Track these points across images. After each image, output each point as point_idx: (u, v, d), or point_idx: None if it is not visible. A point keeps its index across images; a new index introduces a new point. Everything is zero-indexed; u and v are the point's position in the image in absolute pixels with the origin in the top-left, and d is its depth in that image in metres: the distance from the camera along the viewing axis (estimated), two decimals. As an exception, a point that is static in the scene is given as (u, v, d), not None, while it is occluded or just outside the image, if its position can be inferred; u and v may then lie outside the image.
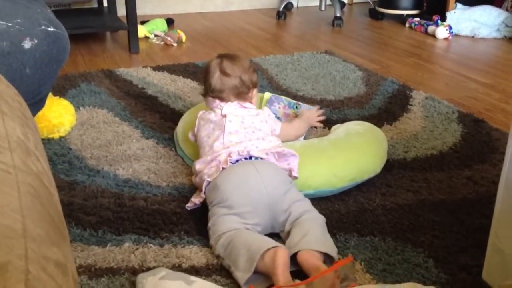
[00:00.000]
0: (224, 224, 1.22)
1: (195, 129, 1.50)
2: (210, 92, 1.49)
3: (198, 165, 1.40)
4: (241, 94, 1.48)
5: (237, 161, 1.32)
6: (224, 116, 1.43)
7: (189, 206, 1.38)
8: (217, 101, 1.48)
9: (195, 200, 1.37)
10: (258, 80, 1.60)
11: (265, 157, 1.34)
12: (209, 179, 1.31)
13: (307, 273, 1.11)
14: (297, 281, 1.10)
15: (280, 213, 1.26)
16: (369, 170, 1.51)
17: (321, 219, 1.28)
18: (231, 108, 1.45)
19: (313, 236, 1.19)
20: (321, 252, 1.15)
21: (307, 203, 1.31)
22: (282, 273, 1.07)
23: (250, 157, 1.33)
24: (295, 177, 1.39)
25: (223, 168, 1.31)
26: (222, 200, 1.26)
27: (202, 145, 1.44)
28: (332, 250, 1.18)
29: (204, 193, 1.33)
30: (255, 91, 1.53)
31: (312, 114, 1.76)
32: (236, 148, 1.35)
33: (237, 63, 1.50)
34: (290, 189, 1.30)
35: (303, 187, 1.40)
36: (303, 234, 1.18)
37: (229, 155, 1.33)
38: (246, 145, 1.37)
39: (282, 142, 1.49)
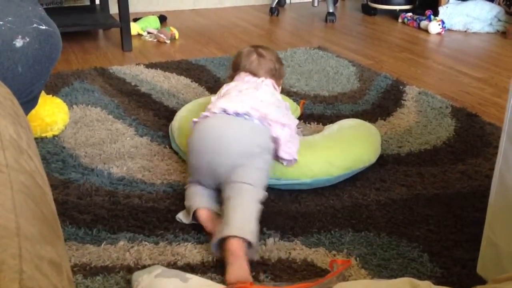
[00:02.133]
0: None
1: (224, 87, 1.52)
2: (246, 69, 1.57)
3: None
4: (274, 76, 1.58)
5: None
6: (262, 81, 1.50)
7: None
8: (250, 76, 1.54)
9: None
10: (284, 71, 1.69)
11: (250, 114, 1.35)
12: (195, 119, 1.41)
13: (227, 259, 1.13)
14: (301, 283, 1.10)
15: (219, 180, 1.30)
16: (364, 159, 1.52)
17: (253, 201, 1.24)
18: (267, 81, 1.52)
19: (240, 219, 1.18)
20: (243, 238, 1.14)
21: (243, 187, 1.25)
22: (207, 227, 1.24)
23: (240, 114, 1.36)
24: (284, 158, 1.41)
25: (206, 116, 1.38)
26: (188, 151, 1.37)
27: (229, 92, 1.46)
28: (251, 234, 1.15)
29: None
30: (281, 82, 1.64)
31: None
32: (239, 103, 1.38)
33: (271, 51, 1.64)
34: (244, 166, 1.28)
35: (300, 175, 1.41)
36: (227, 219, 1.18)
37: (215, 106, 1.38)
38: (260, 106, 1.39)
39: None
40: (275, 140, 1.38)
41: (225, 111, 1.36)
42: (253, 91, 1.45)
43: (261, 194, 1.27)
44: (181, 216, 1.32)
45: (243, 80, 1.54)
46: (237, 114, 1.36)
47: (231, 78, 1.62)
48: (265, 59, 1.59)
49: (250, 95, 1.43)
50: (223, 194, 1.28)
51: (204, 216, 1.27)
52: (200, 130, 1.36)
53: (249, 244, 1.15)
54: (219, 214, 1.26)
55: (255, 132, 1.35)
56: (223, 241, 1.15)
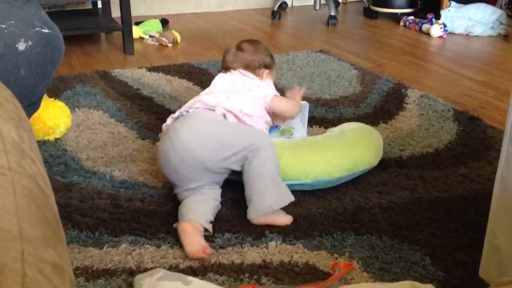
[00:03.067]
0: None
1: None
2: (223, 65, 1.66)
3: None
4: (249, 67, 1.64)
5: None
6: (226, 70, 1.61)
7: None
8: (221, 73, 1.64)
9: None
10: (273, 64, 1.72)
11: (191, 110, 1.45)
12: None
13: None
14: (303, 286, 1.10)
15: (217, 164, 1.35)
16: (365, 161, 1.52)
17: (265, 162, 1.34)
18: (228, 73, 1.61)
19: (258, 203, 1.31)
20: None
21: (246, 140, 1.35)
22: (183, 241, 1.23)
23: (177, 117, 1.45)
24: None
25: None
26: (163, 172, 1.43)
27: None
28: (272, 205, 1.31)
29: None
30: (266, 72, 1.67)
31: (293, 92, 1.78)
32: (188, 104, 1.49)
33: (253, 44, 1.70)
34: (208, 135, 1.35)
35: (301, 176, 1.42)
36: (252, 201, 1.32)
37: (171, 117, 1.47)
38: (209, 97, 1.49)
39: (278, 116, 1.62)
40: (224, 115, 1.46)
41: (166, 125, 1.46)
42: (201, 93, 1.57)
43: (266, 146, 1.36)
44: (176, 225, 1.31)
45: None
46: (180, 115, 1.45)
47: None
48: (242, 52, 1.66)
49: (195, 97, 1.54)
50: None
51: (182, 229, 1.26)
52: (159, 150, 1.41)
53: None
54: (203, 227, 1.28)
55: (192, 118, 1.41)
56: None
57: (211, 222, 1.30)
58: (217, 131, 1.37)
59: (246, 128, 1.45)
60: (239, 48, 1.68)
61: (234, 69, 1.63)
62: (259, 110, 1.52)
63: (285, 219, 1.34)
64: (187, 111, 1.46)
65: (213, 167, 1.35)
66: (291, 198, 1.36)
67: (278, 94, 1.62)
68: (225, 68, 1.66)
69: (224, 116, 1.45)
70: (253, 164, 1.33)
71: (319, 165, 1.44)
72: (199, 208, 1.31)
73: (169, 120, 1.47)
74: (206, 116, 1.43)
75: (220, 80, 1.61)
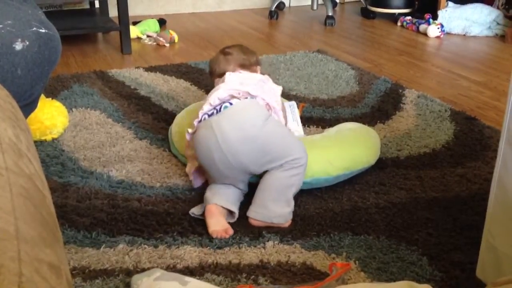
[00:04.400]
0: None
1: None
2: (217, 73, 1.62)
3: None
4: (245, 66, 1.62)
5: (210, 114, 1.39)
6: (229, 74, 1.55)
7: (195, 185, 1.49)
8: (220, 78, 1.58)
9: (191, 170, 1.47)
10: (259, 60, 1.72)
11: (234, 101, 1.39)
12: (189, 130, 1.43)
13: None
14: (301, 286, 1.10)
15: (260, 168, 1.36)
16: (363, 160, 1.52)
17: (280, 182, 1.34)
18: (232, 73, 1.56)
19: (264, 208, 1.32)
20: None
21: (290, 152, 1.34)
22: (208, 221, 1.29)
23: (220, 108, 1.38)
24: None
25: (197, 122, 1.40)
26: (200, 165, 1.42)
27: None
28: (273, 219, 1.32)
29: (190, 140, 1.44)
30: (259, 68, 1.67)
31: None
32: (215, 95, 1.42)
33: (235, 46, 1.70)
34: (260, 142, 1.33)
35: None
36: (257, 204, 1.34)
37: (202, 108, 1.41)
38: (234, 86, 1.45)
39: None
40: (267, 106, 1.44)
41: (205, 113, 1.39)
42: (222, 84, 1.50)
43: (302, 158, 1.35)
44: (194, 210, 1.36)
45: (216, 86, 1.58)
46: (217, 108, 1.38)
47: (212, 82, 1.66)
48: (231, 55, 1.64)
49: (222, 86, 1.47)
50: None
51: (209, 210, 1.32)
52: (197, 143, 1.37)
53: None
54: (230, 212, 1.34)
55: (242, 114, 1.36)
56: None
57: (237, 207, 1.35)
58: (269, 140, 1.34)
59: (294, 138, 1.41)
60: (225, 53, 1.65)
61: (231, 71, 1.57)
62: (275, 101, 1.50)
63: (284, 224, 1.34)
64: (227, 101, 1.38)
65: (254, 171, 1.37)
66: (291, 216, 1.35)
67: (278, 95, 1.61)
68: (219, 75, 1.60)
69: (268, 107, 1.43)
70: (281, 173, 1.33)
71: (317, 164, 1.44)
72: (226, 193, 1.35)
73: (206, 107, 1.40)
74: (258, 113, 1.37)
75: (234, 77, 1.52)
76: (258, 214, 1.33)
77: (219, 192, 1.36)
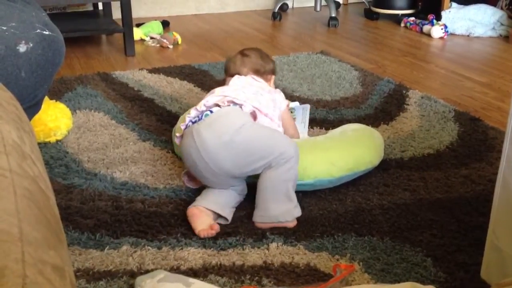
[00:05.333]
0: None
1: None
2: (231, 72, 1.62)
3: None
4: (259, 71, 1.62)
5: (194, 122, 1.40)
6: (232, 78, 1.56)
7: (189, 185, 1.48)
8: (230, 78, 1.58)
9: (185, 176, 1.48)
10: (275, 69, 1.71)
11: (215, 108, 1.40)
12: (177, 134, 1.44)
13: None
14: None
15: (245, 171, 1.35)
16: (366, 161, 1.52)
17: (286, 173, 1.33)
18: (242, 77, 1.57)
19: (266, 210, 1.33)
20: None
21: (276, 150, 1.33)
22: (193, 224, 1.30)
23: (201, 116, 1.40)
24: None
25: (184, 126, 1.41)
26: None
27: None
28: (278, 217, 1.32)
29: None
30: (273, 78, 1.67)
31: None
32: (205, 101, 1.44)
33: (255, 50, 1.70)
34: (238, 145, 1.32)
35: (302, 176, 1.41)
36: (260, 207, 1.34)
37: (189, 112, 1.43)
38: (229, 94, 1.44)
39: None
40: (253, 114, 1.43)
41: (190, 119, 1.41)
42: (221, 87, 1.51)
43: (293, 156, 1.34)
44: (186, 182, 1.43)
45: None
46: (200, 115, 1.40)
47: (222, 82, 1.66)
48: (249, 58, 1.63)
49: (218, 90, 1.49)
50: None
51: (190, 213, 1.33)
52: (182, 150, 1.39)
53: None
54: (217, 214, 1.34)
55: (219, 121, 1.36)
56: None
57: (231, 211, 1.36)
58: (246, 141, 1.33)
59: (277, 134, 1.40)
60: (244, 54, 1.65)
61: (244, 74, 1.59)
62: (275, 113, 1.49)
63: (290, 223, 1.34)
64: (211, 111, 1.39)
65: (240, 175, 1.36)
66: (299, 212, 1.35)
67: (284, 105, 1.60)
68: (232, 75, 1.59)
69: (254, 114, 1.42)
70: (273, 172, 1.32)
71: (320, 165, 1.44)
72: (213, 197, 1.36)
73: (193, 112, 1.42)
74: (234, 120, 1.36)
75: (239, 80, 1.55)
76: (262, 217, 1.33)
77: (209, 194, 1.37)
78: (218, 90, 1.48)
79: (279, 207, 1.32)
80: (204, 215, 1.32)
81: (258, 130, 1.38)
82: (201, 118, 1.38)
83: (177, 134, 1.44)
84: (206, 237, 1.28)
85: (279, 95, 1.55)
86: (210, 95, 1.47)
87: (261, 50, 1.71)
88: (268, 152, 1.32)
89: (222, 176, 1.34)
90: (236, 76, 1.56)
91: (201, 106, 1.42)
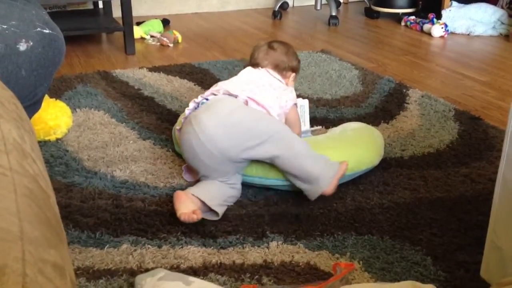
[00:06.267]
0: None
1: None
2: (252, 61, 1.64)
3: None
4: (278, 67, 1.63)
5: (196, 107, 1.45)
6: (244, 69, 1.59)
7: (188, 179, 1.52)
8: (249, 67, 1.61)
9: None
10: (299, 69, 1.72)
11: (210, 97, 1.45)
12: (177, 127, 1.49)
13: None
14: (304, 286, 1.10)
15: (242, 154, 1.37)
16: (367, 161, 1.52)
17: (296, 141, 1.38)
18: (257, 69, 1.59)
19: (316, 172, 1.36)
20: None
21: (271, 129, 1.38)
22: (176, 206, 1.31)
23: (198, 105, 1.45)
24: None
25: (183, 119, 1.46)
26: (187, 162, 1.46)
27: None
28: (328, 166, 1.38)
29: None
30: (292, 75, 1.67)
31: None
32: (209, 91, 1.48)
33: (284, 45, 1.70)
34: (233, 125, 1.36)
35: None
36: (309, 179, 1.36)
37: (189, 106, 1.46)
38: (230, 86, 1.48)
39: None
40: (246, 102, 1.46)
41: (189, 110, 1.45)
42: (225, 81, 1.55)
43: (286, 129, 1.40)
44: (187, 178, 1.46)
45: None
46: (196, 106, 1.45)
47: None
48: (274, 51, 1.65)
49: (222, 82, 1.53)
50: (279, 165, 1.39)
51: (177, 196, 1.34)
52: (181, 138, 1.43)
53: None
54: (206, 206, 1.34)
55: (214, 105, 1.40)
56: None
57: (221, 205, 1.35)
58: (241, 120, 1.37)
59: (268, 116, 1.44)
60: (270, 46, 1.66)
61: (263, 66, 1.62)
62: (278, 109, 1.50)
63: (343, 166, 1.41)
64: (207, 99, 1.45)
65: (236, 157, 1.37)
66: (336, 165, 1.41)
67: (294, 102, 1.61)
68: (254, 64, 1.64)
69: (246, 103, 1.45)
70: (286, 155, 1.35)
71: None
72: (203, 186, 1.38)
73: (191, 105, 1.47)
74: (228, 103, 1.41)
75: (248, 72, 1.59)
76: (326, 180, 1.36)
77: (200, 184, 1.40)
78: (220, 83, 1.52)
79: (327, 167, 1.38)
80: (190, 201, 1.33)
81: (251, 110, 1.42)
82: (198, 107, 1.44)
83: (177, 127, 1.47)
84: (186, 221, 1.28)
85: (287, 94, 1.56)
86: (209, 89, 1.52)
87: (290, 46, 1.72)
88: (260, 133, 1.36)
89: (219, 160, 1.36)
90: (248, 68, 1.61)
91: (198, 98, 1.46)
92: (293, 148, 1.36)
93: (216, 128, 1.35)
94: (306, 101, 1.76)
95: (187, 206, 1.31)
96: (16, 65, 1.11)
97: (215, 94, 1.46)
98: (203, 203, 1.34)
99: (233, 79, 1.57)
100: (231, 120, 1.36)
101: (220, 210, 1.34)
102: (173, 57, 2.80)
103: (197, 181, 1.46)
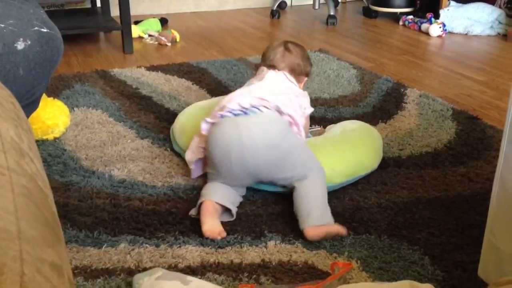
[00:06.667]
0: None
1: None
2: (268, 61, 1.60)
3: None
4: (295, 71, 1.60)
5: (235, 114, 1.39)
6: (268, 72, 1.54)
7: (193, 175, 1.51)
8: (265, 69, 1.57)
9: (191, 159, 1.49)
10: (311, 72, 1.70)
11: (263, 109, 1.39)
12: (208, 119, 1.42)
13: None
14: (302, 286, 1.10)
15: (269, 176, 1.36)
16: (366, 166, 1.51)
17: (320, 183, 1.35)
18: (275, 72, 1.55)
19: (316, 211, 1.29)
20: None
21: (305, 164, 1.36)
22: (204, 219, 1.28)
23: (247, 111, 1.38)
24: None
25: (220, 115, 1.39)
26: (209, 159, 1.40)
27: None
28: (330, 219, 1.30)
29: (206, 131, 1.42)
30: (305, 79, 1.66)
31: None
32: (247, 97, 1.41)
33: (299, 48, 1.66)
34: (281, 151, 1.34)
35: None
36: (307, 212, 1.29)
37: (225, 106, 1.40)
38: (267, 96, 1.43)
39: None
40: (290, 124, 1.44)
41: (231, 111, 1.39)
42: (258, 83, 1.50)
43: (320, 171, 1.37)
44: (193, 212, 1.34)
45: (256, 76, 1.59)
46: (245, 110, 1.38)
47: (255, 68, 1.66)
48: (290, 54, 1.61)
49: (255, 87, 1.47)
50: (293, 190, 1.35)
51: (206, 207, 1.30)
52: (217, 138, 1.36)
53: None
54: (228, 209, 1.33)
55: (270, 123, 1.37)
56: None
57: (234, 206, 1.35)
58: (288, 151, 1.35)
59: (307, 150, 1.41)
60: (287, 48, 1.62)
61: (280, 69, 1.58)
62: (301, 120, 1.49)
63: (340, 228, 1.30)
64: (256, 107, 1.38)
65: (264, 178, 1.37)
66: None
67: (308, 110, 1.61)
68: (270, 65, 1.60)
69: (291, 125, 1.43)
70: (304, 191, 1.32)
71: None
72: (223, 191, 1.34)
73: (234, 106, 1.39)
74: (282, 126, 1.37)
75: (273, 78, 1.54)
76: (317, 220, 1.28)
77: (216, 189, 1.35)
78: (255, 88, 1.46)
79: (326, 212, 1.32)
80: (215, 212, 1.30)
81: (296, 141, 1.40)
82: (246, 113, 1.38)
83: (208, 120, 1.41)
84: (209, 237, 1.26)
85: (305, 100, 1.55)
86: (247, 90, 1.46)
87: (305, 50, 1.69)
88: (295, 167, 1.34)
89: (247, 173, 1.34)
90: (271, 72, 1.55)
91: (245, 104, 1.39)
92: (312, 187, 1.33)
93: (264, 147, 1.31)
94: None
95: (214, 222, 1.28)
96: (14, 64, 1.11)
97: (265, 107, 1.39)
98: (223, 206, 1.32)
99: (265, 86, 1.49)
100: (279, 147, 1.33)
101: (235, 212, 1.34)
102: (171, 56, 2.80)
103: (200, 178, 1.46)
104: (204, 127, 1.42)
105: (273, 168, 1.34)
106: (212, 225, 1.27)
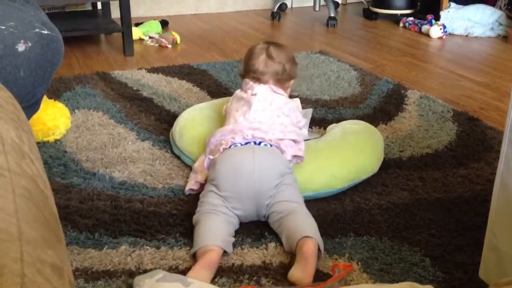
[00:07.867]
0: (208, 200, 1.30)
1: (228, 104, 1.55)
2: (252, 73, 1.53)
3: (211, 137, 1.45)
4: (280, 80, 1.54)
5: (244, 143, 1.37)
6: (254, 94, 1.49)
7: (187, 190, 1.46)
8: (251, 83, 1.52)
9: (192, 181, 1.46)
10: (296, 72, 1.63)
11: (272, 144, 1.37)
12: (210, 156, 1.37)
13: (298, 258, 1.17)
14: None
15: (263, 207, 1.31)
16: (367, 170, 1.51)
17: (311, 219, 1.29)
18: (262, 89, 1.50)
19: (309, 226, 1.24)
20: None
21: (297, 206, 1.31)
22: (197, 270, 1.13)
23: (258, 142, 1.36)
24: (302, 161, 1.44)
25: (224, 149, 1.35)
26: (214, 178, 1.32)
27: (228, 116, 1.51)
28: (321, 244, 1.22)
29: (207, 169, 1.39)
30: (291, 82, 1.60)
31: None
32: (248, 131, 1.39)
33: (283, 51, 1.57)
34: (282, 185, 1.32)
35: (302, 189, 1.39)
36: (299, 224, 1.24)
37: (234, 138, 1.37)
38: (263, 128, 1.41)
39: None
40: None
41: (240, 143, 1.36)
42: (249, 113, 1.45)
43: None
44: (192, 250, 1.23)
45: (241, 95, 1.52)
46: (255, 141, 1.37)
47: (241, 76, 1.59)
48: (273, 61, 1.52)
49: (250, 119, 1.44)
50: (271, 214, 1.30)
51: (211, 257, 1.17)
52: (231, 153, 1.34)
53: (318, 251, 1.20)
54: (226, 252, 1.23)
55: (277, 158, 1.36)
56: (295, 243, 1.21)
57: (231, 242, 1.25)
58: (286, 187, 1.33)
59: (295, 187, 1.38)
60: (269, 56, 1.52)
61: (265, 82, 1.51)
62: (297, 136, 1.46)
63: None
64: (270, 144, 1.37)
65: (263, 207, 1.31)
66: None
67: (304, 117, 1.59)
68: (254, 78, 1.52)
69: (290, 161, 1.41)
70: (299, 211, 1.30)
71: (321, 178, 1.43)
72: (219, 231, 1.24)
73: (239, 139, 1.37)
74: (281, 165, 1.34)
75: (262, 99, 1.48)
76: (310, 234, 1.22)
77: (215, 229, 1.24)
78: (252, 116, 1.44)
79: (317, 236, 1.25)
80: (215, 269, 1.16)
81: (294, 188, 1.36)
82: (257, 144, 1.36)
83: (211, 157, 1.37)
84: None
85: (297, 111, 1.53)
86: (244, 118, 1.44)
87: (287, 50, 1.59)
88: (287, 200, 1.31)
89: (251, 201, 1.29)
90: (259, 92, 1.48)
91: (248, 135, 1.37)
92: (305, 213, 1.30)
93: (271, 177, 1.30)
94: (310, 110, 1.77)
95: (205, 278, 1.13)
96: (15, 66, 1.11)
97: (269, 141, 1.38)
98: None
99: (258, 117, 1.45)
100: (284, 173, 1.33)
101: (231, 247, 1.24)
102: (171, 58, 2.80)
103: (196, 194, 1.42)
104: (206, 162, 1.39)
105: (273, 190, 1.30)
106: (201, 279, 1.12)
